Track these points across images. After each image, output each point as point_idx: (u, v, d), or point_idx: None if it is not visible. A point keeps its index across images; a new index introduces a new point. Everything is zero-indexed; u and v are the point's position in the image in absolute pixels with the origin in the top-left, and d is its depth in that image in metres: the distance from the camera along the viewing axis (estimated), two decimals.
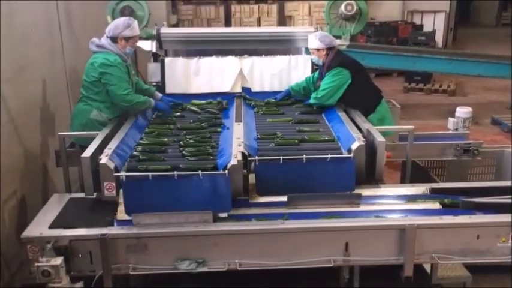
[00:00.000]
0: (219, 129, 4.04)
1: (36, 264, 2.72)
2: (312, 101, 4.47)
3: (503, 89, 9.79)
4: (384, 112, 4.59)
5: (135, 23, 4.18)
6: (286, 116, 4.39)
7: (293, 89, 4.81)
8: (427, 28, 13.30)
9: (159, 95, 4.58)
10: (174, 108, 4.50)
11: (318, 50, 4.49)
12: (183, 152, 3.51)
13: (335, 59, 4.43)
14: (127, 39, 4.10)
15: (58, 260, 2.73)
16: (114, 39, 4.08)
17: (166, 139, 3.78)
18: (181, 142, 3.67)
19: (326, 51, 4.47)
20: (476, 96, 10.20)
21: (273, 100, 4.76)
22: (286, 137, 3.79)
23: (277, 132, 3.88)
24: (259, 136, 3.85)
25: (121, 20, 4.15)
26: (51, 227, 2.98)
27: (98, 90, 4.07)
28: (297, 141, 3.69)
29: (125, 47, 4.12)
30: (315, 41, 4.48)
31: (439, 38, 13.77)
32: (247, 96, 4.87)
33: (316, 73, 4.75)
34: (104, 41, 4.08)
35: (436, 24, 13.94)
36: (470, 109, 5.01)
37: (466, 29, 17.72)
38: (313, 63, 5.00)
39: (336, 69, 4.35)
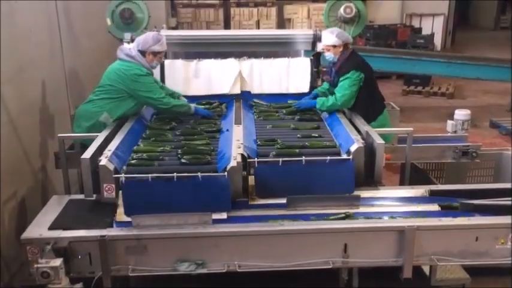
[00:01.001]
0: (217, 136, 3.98)
1: (35, 265, 2.73)
2: (331, 103, 4.34)
3: (502, 92, 9.79)
4: (385, 121, 4.56)
5: (164, 39, 4.24)
6: (286, 122, 4.34)
7: (319, 91, 4.77)
8: (426, 31, 13.32)
9: (185, 100, 4.57)
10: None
11: (334, 46, 4.39)
12: (181, 160, 3.44)
13: (350, 59, 4.38)
14: (155, 53, 4.16)
15: (57, 261, 2.74)
16: (142, 52, 4.13)
17: (162, 148, 3.63)
18: (179, 150, 3.57)
19: (343, 48, 4.42)
20: (475, 99, 10.20)
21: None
22: (286, 144, 3.68)
23: (278, 139, 3.76)
24: (259, 142, 3.78)
25: (150, 35, 4.20)
26: (51, 228, 2.98)
27: (116, 96, 4.07)
28: (297, 151, 3.55)
29: (152, 61, 4.19)
30: (331, 37, 4.38)
31: (438, 41, 13.79)
32: (255, 100, 4.84)
33: None
34: (135, 52, 4.12)
35: (434, 27, 14.00)
36: (468, 111, 5.01)
37: (464, 32, 17.72)
38: (312, 65, 5.00)
39: (353, 72, 4.29)
